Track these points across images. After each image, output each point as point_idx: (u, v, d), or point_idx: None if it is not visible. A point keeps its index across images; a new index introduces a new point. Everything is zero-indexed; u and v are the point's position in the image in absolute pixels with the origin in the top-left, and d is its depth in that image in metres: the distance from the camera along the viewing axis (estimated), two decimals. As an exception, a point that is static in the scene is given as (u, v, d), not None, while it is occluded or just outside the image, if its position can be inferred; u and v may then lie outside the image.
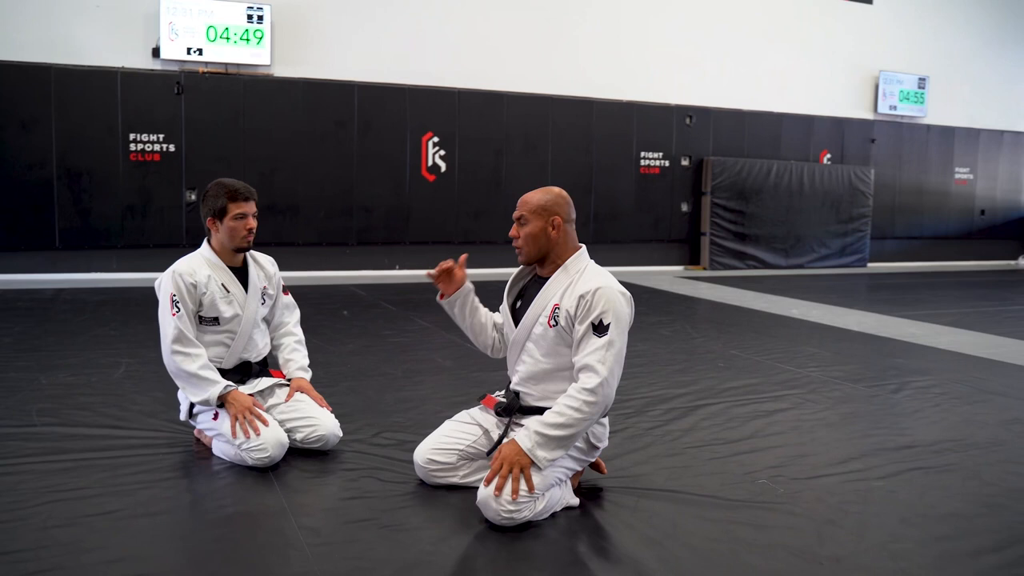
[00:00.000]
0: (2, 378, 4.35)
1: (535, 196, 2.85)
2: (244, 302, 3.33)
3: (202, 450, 3.30)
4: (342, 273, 9.57)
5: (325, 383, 4.24)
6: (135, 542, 2.46)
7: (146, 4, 8.86)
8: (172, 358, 3.16)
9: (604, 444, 2.90)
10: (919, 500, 2.99)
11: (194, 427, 3.38)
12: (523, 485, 2.56)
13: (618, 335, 2.67)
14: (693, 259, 11.90)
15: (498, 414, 2.88)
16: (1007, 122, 14.39)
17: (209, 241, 3.35)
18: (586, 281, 2.73)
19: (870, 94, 13.07)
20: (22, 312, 6.58)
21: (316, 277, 9.16)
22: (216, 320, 3.27)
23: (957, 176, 14.05)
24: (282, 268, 9.69)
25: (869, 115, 13.11)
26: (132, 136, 8.86)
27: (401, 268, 9.98)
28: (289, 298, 3.66)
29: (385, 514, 2.70)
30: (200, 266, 3.28)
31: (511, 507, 2.55)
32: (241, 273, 3.37)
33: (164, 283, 3.24)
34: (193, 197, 9.11)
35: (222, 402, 3.13)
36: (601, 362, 2.62)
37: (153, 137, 8.93)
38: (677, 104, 11.56)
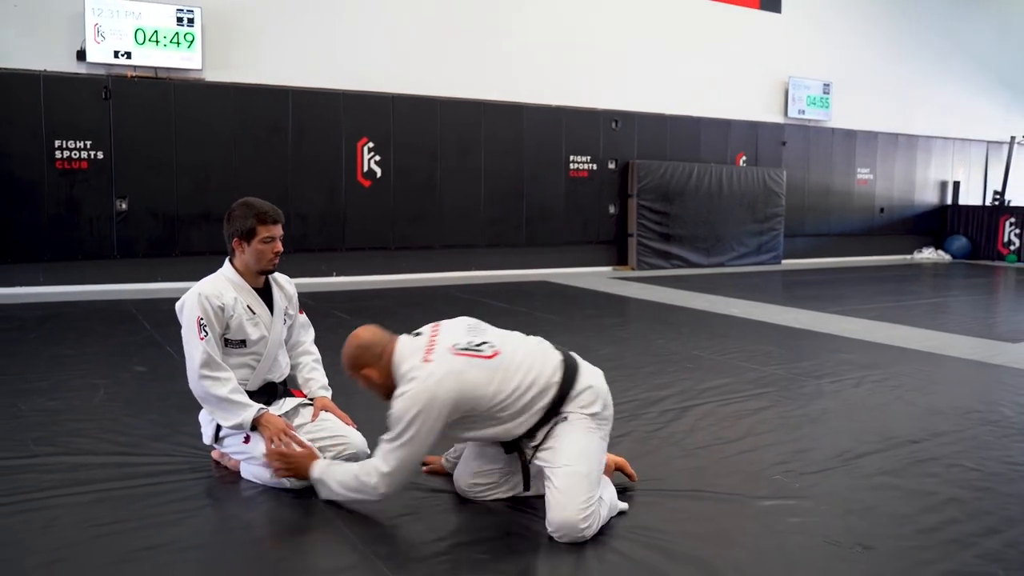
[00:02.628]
0: (-20, 405, 4.15)
1: (345, 360, 2.92)
2: (270, 324, 3.30)
3: (226, 474, 3.26)
4: (280, 281, 9.40)
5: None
6: (196, 574, 2.44)
7: (69, 4, 8.48)
8: (201, 383, 3.11)
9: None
10: (920, 488, 3.24)
11: (215, 450, 3.33)
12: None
13: (405, 432, 2.66)
14: (621, 259, 12.21)
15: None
16: (902, 125, 15.32)
17: (232, 261, 3.29)
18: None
19: (780, 99, 13.69)
20: (-42, 332, 6.25)
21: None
22: (243, 343, 3.22)
23: (859, 176, 14.87)
24: None
25: (780, 119, 13.73)
26: (57, 143, 8.47)
27: (338, 275, 9.88)
28: (304, 317, 3.64)
29: (439, 526, 2.75)
30: (226, 288, 3.22)
31: (583, 524, 2.62)
32: (264, 294, 3.34)
33: (189, 305, 3.17)
34: (124, 206, 8.79)
35: (255, 425, 3.09)
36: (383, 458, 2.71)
37: (80, 144, 8.56)
38: (603, 109, 11.84)
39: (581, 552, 2.60)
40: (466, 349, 2.76)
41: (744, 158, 13.32)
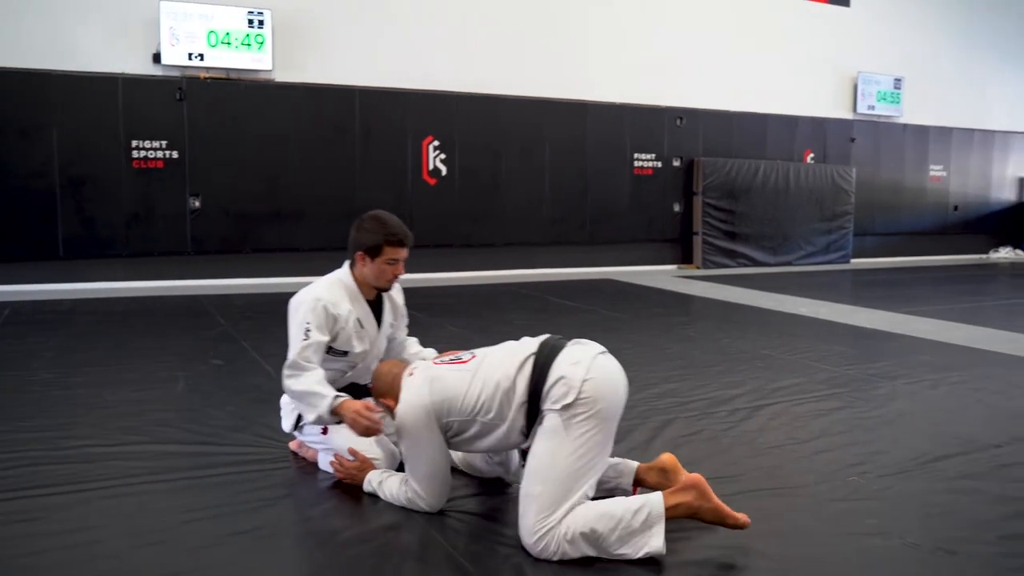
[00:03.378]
0: (71, 395, 4.32)
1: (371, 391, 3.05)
2: (375, 339, 3.33)
3: (304, 465, 3.33)
4: (347, 278, 9.55)
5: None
6: (285, 560, 2.51)
7: (146, 9, 8.76)
8: (286, 382, 3.15)
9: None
10: (1004, 493, 3.14)
11: (293, 440, 3.40)
12: None
13: (411, 446, 2.77)
14: (686, 258, 12.11)
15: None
16: (978, 121, 14.86)
17: (352, 268, 3.28)
18: None
19: (849, 94, 13.41)
20: (46, 324, 6.49)
21: (322, 283, 9.14)
22: (345, 354, 3.26)
23: (932, 173, 14.47)
24: (288, 273, 9.81)
25: (849, 115, 13.45)
26: (134, 143, 8.76)
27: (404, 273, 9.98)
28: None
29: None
30: (342, 297, 3.21)
31: (536, 546, 2.46)
32: (375, 307, 3.35)
33: (303, 307, 3.16)
34: (198, 204, 9.04)
35: (334, 413, 3.11)
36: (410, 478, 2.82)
37: (156, 144, 8.84)
38: (667, 106, 11.75)
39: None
40: (445, 361, 2.85)
41: (812, 155, 13.08)
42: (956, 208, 14.89)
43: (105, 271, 8.77)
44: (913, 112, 13.98)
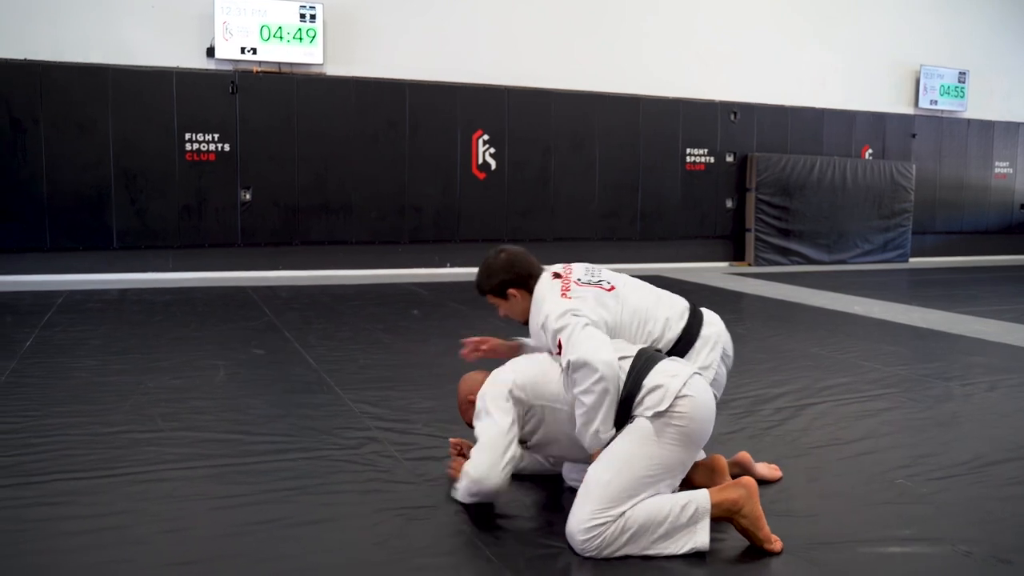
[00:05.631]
0: (110, 382, 4.38)
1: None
2: None
3: (339, 455, 3.31)
4: (395, 271, 9.58)
5: (450, 389, 4.32)
6: (304, 550, 2.48)
7: (200, 4, 8.88)
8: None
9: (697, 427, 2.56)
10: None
11: None
12: None
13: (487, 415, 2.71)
14: (738, 255, 11.88)
15: None
16: (1047, 115, 14.31)
17: None
18: None
19: (910, 88, 13.02)
20: (95, 313, 6.63)
21: (369, 276, 9.19)
22: None
23: (997, 170, 13.97)
24: (335, 266, 9.87)
25: (910, 110, 13.05)
26: (187, 136, 8.90)
27: (452, 266, 9.99)
28: None
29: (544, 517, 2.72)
30: None
31: (581, 538, 2.40)
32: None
33: None
34: (248, 196, 9.15)
35: None
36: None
37: (208, 137, 8.96)
38: (721, 100, 11.53)
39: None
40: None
41: (870, 151, 12.73)
42: (1022, 207, 14.35)
43: (156, 262, 8.93)
44: (978, 107, 13.50)
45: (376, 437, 3.53)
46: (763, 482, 2.98)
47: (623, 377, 2.56)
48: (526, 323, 3.02)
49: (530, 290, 2.95)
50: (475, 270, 3.10)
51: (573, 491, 2.88)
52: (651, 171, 11.15)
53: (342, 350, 5.33)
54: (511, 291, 2.97)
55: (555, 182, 10.56)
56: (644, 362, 2.60)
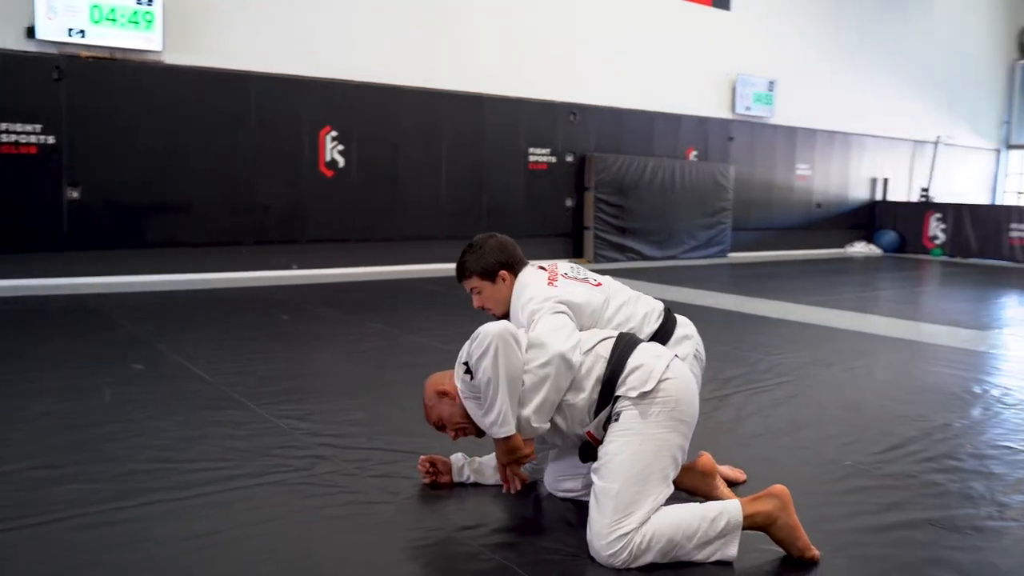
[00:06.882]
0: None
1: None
2: None
3: (306, 481, 3.08)
4: (240, 274, 9.05)
5: (373, 397, 4.13)
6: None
7: (16, -22, 7.96)
8: None
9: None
10: (1002, 480, 3.27)
11: None
12: None
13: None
14: (577, 252, 12.23)
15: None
16: (838, 123, 15.80)
17: None
18: None
19: (729, 95, 13.93)
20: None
21: (214, 280, 8.62)
22: None
23: (799, 172, 15.27)
24: (176, 270, 9.28)
25: (728, 115, 13.97)
26: (3, 126, 7.94)
27: (299, 268, 9.57)
28: None
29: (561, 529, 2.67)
30: None
31: (607, 551, 2.36)
32: None
33: None
34: (76, 195, 8.31)
35: None
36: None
37: (28, 128, 8.04)
38: (562, 101, 11.82)
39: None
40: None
41: (695, 152, 13.51)
42: (819, 205, 15.78)
43: (-33, 267, 7.93)
44: (784, 114, 14.69)
45: (323, 455, 3.32)
46: (731, 484, 3.07)
47: (606, 356, 2.59)
48: (503, 316, 2.98)
49: (516, 276, 2.98)
50: (325, 272, 3.09)
51: (567, 500, 2.87)
52: (496, 170, 11.24)
53: (230, 361, 4.98)
54: (502, 273, 2.97)
55: (404, 181, 10.40)
56: (626, 344, 2.64)
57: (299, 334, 6.19)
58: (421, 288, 8.77)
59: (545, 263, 3.04)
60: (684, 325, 3.09)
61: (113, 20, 8.24)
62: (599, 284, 2.98)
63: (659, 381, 2.50)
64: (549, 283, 2.85)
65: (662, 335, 2.97)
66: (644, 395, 2.48)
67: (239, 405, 4.03)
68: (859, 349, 5.95)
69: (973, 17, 18.62)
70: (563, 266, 3.03)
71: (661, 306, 3.07)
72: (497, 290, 2.99)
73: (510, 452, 2.61)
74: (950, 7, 17.92)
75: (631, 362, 2.56)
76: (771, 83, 14.33)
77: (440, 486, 3.00)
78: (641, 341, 2.71)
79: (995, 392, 4.71)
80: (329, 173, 9.84)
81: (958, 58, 18.16)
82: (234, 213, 9.25)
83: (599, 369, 2.59)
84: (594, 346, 2.65)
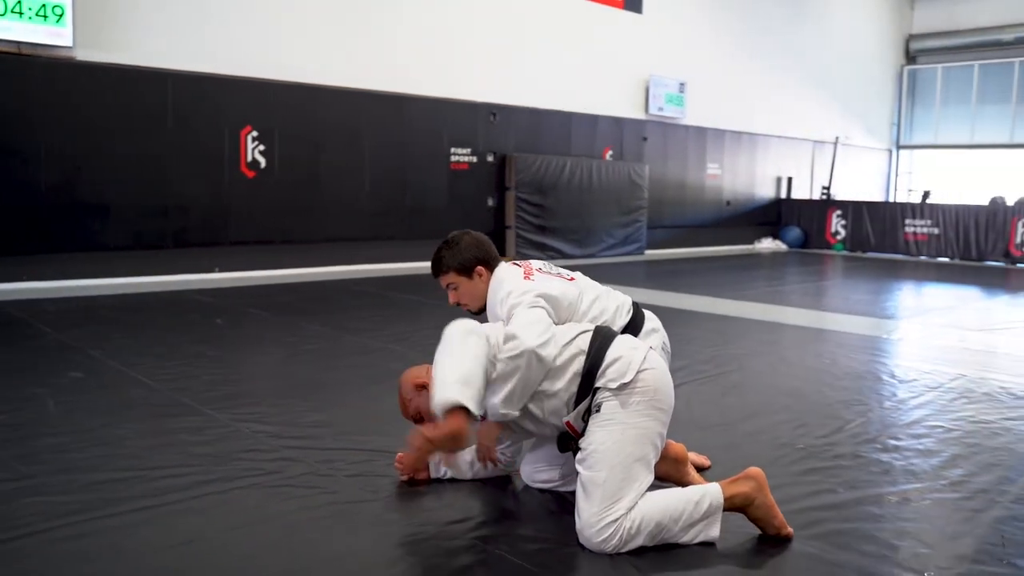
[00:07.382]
0: None
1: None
2: None
3: (309, 490, 3.06)
4: (161, 278, 8.78)
5: (326, 398, 4.10)
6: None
7: (-88, -29, 7.53)
8: None
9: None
10: (939, 455, 3.52)
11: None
12: None
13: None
14: (499, 251, 12.29)
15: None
16: (745, 124, 16.39)
17: None
18: None
19: (642, 96, 14.27)
20: None
21: (134, 284, 8.33)
22: None
23: (709, 171, 15.77)
24: (92, 275, 9.04)
25: (642, 115, 14.31)
26: (-99, 126, 7.52)
27: (221, 271, 9.35)
28: None
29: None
30: None
31: (597, 538, 2.45)
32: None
33: None
34: (-17, 197, 7.92)
35: None
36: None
37: (-71, 127, 7.64)
38: (482, 101, 11.89)
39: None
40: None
41: (611, 152, 13.79)
42: (728, 203, 16.33)
43: None
44: (694, 114, 15.14)
45: (293, 457, 3.30)
46: (699, 470, 3.21)
47: (584, 349, 2.68)
48: (479, 311, 3.04)
49: (492, 272, 3.07)
50: (249, 275, 3.13)
51: (544, 492, 2.95)
52: (418, 170, 11.23)
53: (171, 366, 4.85)
54: (479, 269, 3.04)
55: (325, 180, 10.28)
56: (604, 337, 2.74)
57: (236, 337, 6.07)
58: (349, 289, 8.71)
59: (518, 260, 3.12)
60: (651, 319, 3.21)
61: (20, 13, 7.87)
62: (572, 279, 3.07)
63: (638, 372, 2.61)
64: (525, 277, 2.93)
65: (632, 328, 3.08)
66: (624, 386, 2.59)
67: (193, 411, 3.95)
68: (782, 339, 6.26)
69: (866, 26, 19.62)
70: (535, 262, 3.11)
71: (630, 300, 3.18)
72: (474, 286, 3.05)
73: (451, 437, 2.41)
74: (846, 16, 18.83)
75: (610, 354, 2.66)
76: (682, 84, 14.74)
77: (418, 482, 3.04)
78: (617, 334, 2.81)
79: (914, 375, 5.03)
80: (251, 173, 9.65)
81: (853, 63, 19.11)
82: (153, 215, 8.97)
83: (578, 362, 2.68)
84: (573, 339, 2.73)
